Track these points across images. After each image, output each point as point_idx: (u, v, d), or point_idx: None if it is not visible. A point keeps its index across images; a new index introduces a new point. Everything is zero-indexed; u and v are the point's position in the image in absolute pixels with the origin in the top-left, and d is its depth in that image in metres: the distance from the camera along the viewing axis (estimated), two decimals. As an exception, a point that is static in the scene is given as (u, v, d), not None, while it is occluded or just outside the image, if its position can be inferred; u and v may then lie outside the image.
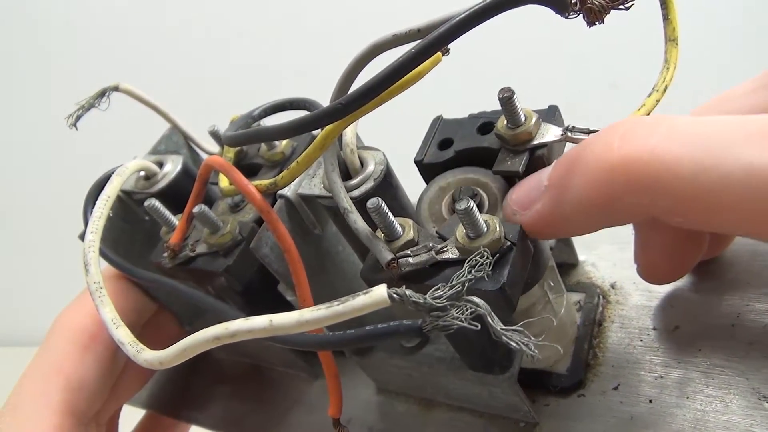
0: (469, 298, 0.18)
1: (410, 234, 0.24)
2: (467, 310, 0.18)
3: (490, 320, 0.18)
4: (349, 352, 0.34)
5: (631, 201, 0.21)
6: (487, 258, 0.19)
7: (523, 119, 0.25)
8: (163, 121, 0.39)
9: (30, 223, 1.25)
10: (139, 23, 1.08)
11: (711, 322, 0.29)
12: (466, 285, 0.18)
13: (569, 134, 0.24)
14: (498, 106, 0.28)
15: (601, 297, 0.33)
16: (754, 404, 0.26)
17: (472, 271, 0.19)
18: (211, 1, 1.04)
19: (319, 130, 0.23)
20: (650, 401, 0.28)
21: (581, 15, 0.21)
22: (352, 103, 0.20)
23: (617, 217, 0.22)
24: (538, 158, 0.25)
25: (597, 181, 0.21)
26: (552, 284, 0.31)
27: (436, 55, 0.21)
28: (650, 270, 0.27)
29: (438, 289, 0.18)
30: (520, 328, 0.18)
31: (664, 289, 0.32)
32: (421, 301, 0.18)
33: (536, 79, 0.68)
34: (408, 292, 0.18)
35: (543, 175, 0.24)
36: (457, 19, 0.20)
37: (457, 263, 0.23)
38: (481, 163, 0.27)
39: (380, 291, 0.17)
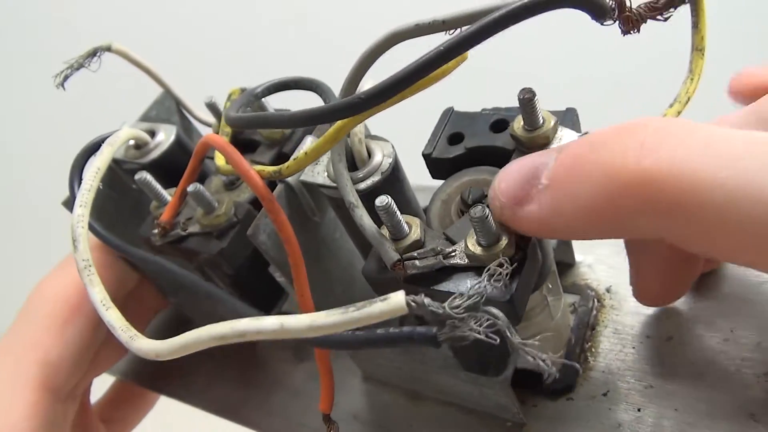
0: (488, 309, 0.17)
1: (416, 234, 0.23)
2: (485, 321, 0.17)
3: (508, 333, 0.17)
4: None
5: (645, 222, 0.18)
6: (507, 268, 0.18)
7: (541, 122, 0.24)
8: (156, 86, 0.37)
9: (10, 189, 1.19)
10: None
11: (704, 336, 0.29)
12: (485, 296, 0.18)
13: (588, 142, 0.24)
14: (512, 103, 0.27)
15: (595, 300, 0.33)
16: (743, 422, 0.26)
17: (491, 281, 0.18)
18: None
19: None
20: (639, 410, 0.28)
21: (617, 23, 0.20)
22: (373, 98, 0.19)
23: (624, 234, 0.21)
24: (554, 164, 0.24)
25: (607, 194, 0.18)
26: (551, 287, 0.30)
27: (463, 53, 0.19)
28: (646, 293, 0.27)
29: (456, 298, 0.17)
30: (537, 342, 0.17)
31: (660, 298, 0.32)
32: (440, 311, 0.17)
33: (548, 75, 0.67)
34: (426, 300, 0.17)
35: (540, 169, 0.20)
36: (493, 17, 0.19)
37: (466, 270, 0.22)
38: (494, 162, 0.26)
39: (398, 298, 0.17)
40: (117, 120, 0.36)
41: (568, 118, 0.25)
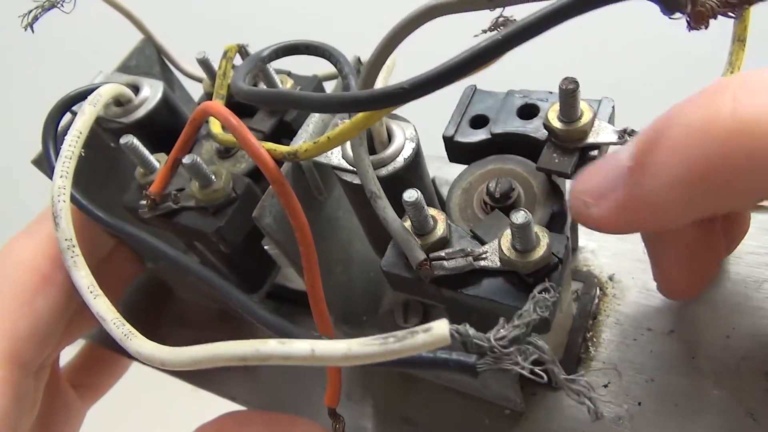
0: (533, 341, 0.16)
1: (442, 230, 0.22)
2: (530, 355, 0.16)
3: (554, 369, 0.16)
4: (333, 317, 0.32)
5: (750, 183, 0.16)
6: (554, 296, 0.17)
7: (579, 114, 0.22)
8: (137, 32, 0.33)
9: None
10: None
11: (707, 331, 0.29)
12: (531, 326, 0.16)
13: (628, 138, 0.22)
14: (540, 86, 0.26)
15: (598, 289, 0.32)
16: (742, 420, 0.26)
17: (537, 310, 0.17)
18: None
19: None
20: (639, 404, 0.28)
21: (686, 17, 0.18)
22: (419, 88, 0.17)
23: (725, 204, 0.18)
24: (589, 159, 0.23)
25: (702, 157, 0.16)
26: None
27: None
28: (671, 286, 0.26)
29: (501, 328, 0.16)
30: (583, 378, 0.16)
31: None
32: (485, 344, 0.16)
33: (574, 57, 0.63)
34: (471, 331, 0.16)
35: (623, 155, 0.19)
36: (555, 6, 0.17)
37: (496, 274, 0.21)
38: (520, 151, 0.24)
39: (441, 330, 0.15)
40: (92, 69, 0.32)
41: (604, 109, 0.24)
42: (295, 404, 0.35)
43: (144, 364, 0.19)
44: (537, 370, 0.16)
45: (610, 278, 0.33)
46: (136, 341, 0.19)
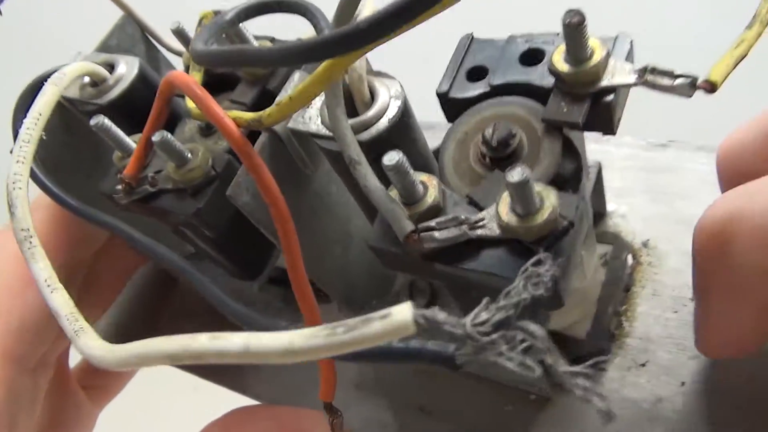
0: (522, 325, 0.13)
1: (433, 196, 0.19)
2: (518, 343, 0.13)
3: (550, 360, 0.13)
4: (337, 302, 0.30)
5: None
6: (550, 268, 0.14)
7: (588, 53, 0.19)
8: (117, 9, 0.31)
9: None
10: None
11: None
12: (520, 307, 0.13)
13: (648, 77, 0.19)
14: (547, 28, 0.22)
15: (631, 256, 0.29)
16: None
17: (528, 287, 0.13)
18: None
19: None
20: (682, 384, 0.25)
21: None
22: (378, 27, 0.14)
23: None
24: (604, 106, 0.19)
25: None
26: (585, 240, 0.26)
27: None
28: (720, 343, 0.21)
29: (483, 311, 0.13)
30: (587, 371, 0.13)
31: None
32: (459, 331, 0.13)
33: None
34: (441, 316, 0.13)
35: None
36: None
37: (497, 244, 0.18)
38: (525, 102, 0.21)
39: (402, 315, 0.12)
40: (70, 51, 0.30)
41: (620, 47, 0.20)
42: (310, 395, 0.33)
43: (89, 360, 0.17)
44: (528, 362, 0.13)
45: (645, 245, 0.29)
46: (83, 337, 0.17)
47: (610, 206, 0.30)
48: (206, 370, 0.35)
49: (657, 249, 0.29)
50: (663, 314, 0.27)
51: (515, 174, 0.16)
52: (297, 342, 0.12)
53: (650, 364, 0.26)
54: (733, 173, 0.20)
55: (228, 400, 0.31)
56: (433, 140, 0.24)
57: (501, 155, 0.20)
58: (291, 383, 0.33)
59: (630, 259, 0.29)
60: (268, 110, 0.19)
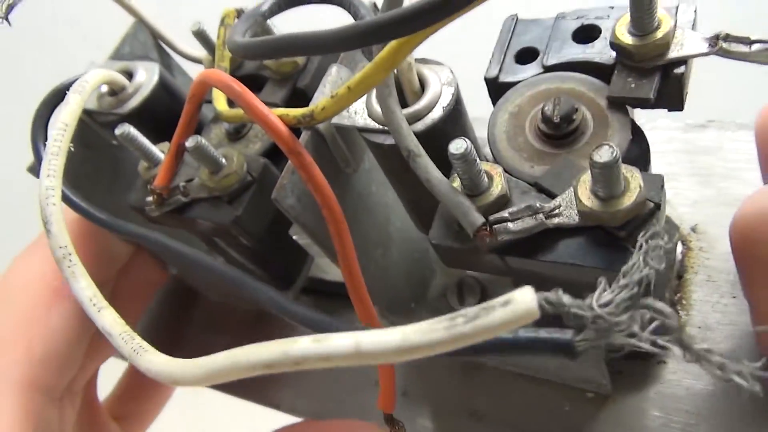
0: (650, 303, 0.12)
1: (500, 186, 0.18)
2: (648, 322, 0.12)
3: (685, 340, 0.12)
4: (378, 308, 0.29)
5: None
6: (668, 242, 0.13)
7: (656, 24, 0.18)
8: (129, 17, 0.30)
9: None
10: None
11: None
12: (644, 284, 0.12)
13: (723, 45, 0.18)
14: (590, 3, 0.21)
15: (681, 243, 0.28)
16: None
17: (649, 261, 0.12)
18: None
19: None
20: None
21: None
22: (457, -1, 0.13)
23: None
24: (675, 79, 0.18)
25: None
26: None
27: None
28: None
29: (606, 291, 0.12)
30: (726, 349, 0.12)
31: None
32: (587, 313, 0.12)
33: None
34: (566, 299, 0.12)
35: None
36: None
37: (574, 233, 0.17)
38: (583, 82, 0.20)
39: (526, 300, 0.11)
40: (84, 61, 0.29)
41: (682, 16, 0.19)
42: (349, 405, 0.31)
43: (159, 381, 0.15)
44: (661, 341, 0.12)
45: (693, 230, 0.28)
46: (147, 358, 0.16)
47: (653, 192, 0.29)
48: (236, 386, 0.34)
49: (707, 233, 0.28)
50: (721, 300, 0.26)
51: (603, 153, 0.15)
52: (412, 337, 0.11)
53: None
54: None
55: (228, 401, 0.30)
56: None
57: (563, 132, 0.18)
58: (327, 395, 0.32)
59: (680, 246, 0.27)
60: (321, 103, 0.18)
